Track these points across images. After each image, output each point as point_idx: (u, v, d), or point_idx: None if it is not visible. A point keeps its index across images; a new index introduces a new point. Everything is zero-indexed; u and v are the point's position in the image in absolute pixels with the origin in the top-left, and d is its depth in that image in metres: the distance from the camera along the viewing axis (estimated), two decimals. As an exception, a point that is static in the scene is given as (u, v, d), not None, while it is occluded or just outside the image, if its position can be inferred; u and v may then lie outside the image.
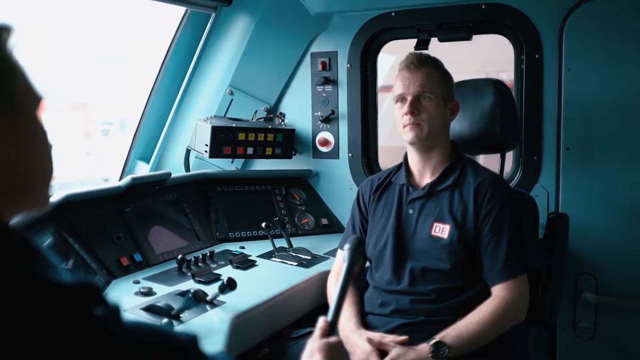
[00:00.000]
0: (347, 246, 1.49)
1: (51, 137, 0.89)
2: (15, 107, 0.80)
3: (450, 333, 1.90)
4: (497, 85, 2.40)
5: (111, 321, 0.78)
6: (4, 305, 0.69)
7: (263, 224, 2.61)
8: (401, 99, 2.08)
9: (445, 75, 2.13)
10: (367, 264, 2.27)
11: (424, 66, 2.07)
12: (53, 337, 0.70)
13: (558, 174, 2.61)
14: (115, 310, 0.80)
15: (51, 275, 0.75)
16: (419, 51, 2.26)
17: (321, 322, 1.32)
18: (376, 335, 1.95)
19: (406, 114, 2.04)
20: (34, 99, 0.85)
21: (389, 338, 1.94)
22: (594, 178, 2.56)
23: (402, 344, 1.94)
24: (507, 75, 3.20)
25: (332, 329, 1.33)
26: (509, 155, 2.61)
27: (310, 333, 2.13)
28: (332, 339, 1.29)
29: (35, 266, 0.75)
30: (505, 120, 2.38)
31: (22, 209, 0.86)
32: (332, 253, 2.52)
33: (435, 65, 2.10)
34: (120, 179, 3.05)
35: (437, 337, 1.89)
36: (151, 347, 0.80)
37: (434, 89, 2.06)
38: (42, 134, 0.86)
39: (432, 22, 2.76)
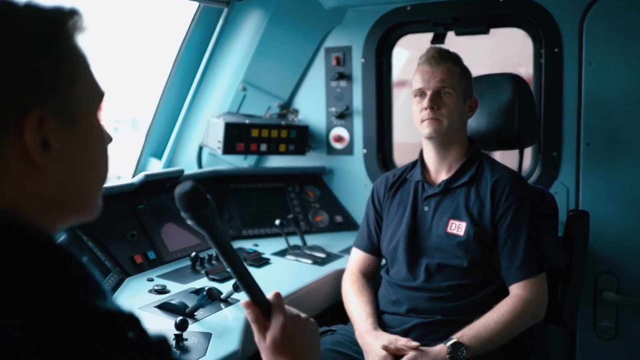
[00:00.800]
0: (184, 215, 1.00)
1: (108, 131, 0.82)
2: (73, 113, 0.73)
3: (468, 333, 1.87)
4: (515, 80, 2.36)
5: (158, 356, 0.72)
6: (46, 323, 0.63)
7: (277, 222, 2.58)
8: (420, 93, 2.05)
9: (465, 71, 2.10)
10: (383, 261, 2.24)
11: (445, 61, 2.04)
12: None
13: (578, 171, 2.56)
14: (160, 342, 0.74)
15: (99, 303, 0.69)
16: (438, 46, 2.23)
17: (248, 313, 1.04)
18: (391, 339, 1.92)
19: (425, 108, 2.01)
20: (96, 97, 0.78)
21: (402, 341, 1.90)
22: (615, 175, 2.50)
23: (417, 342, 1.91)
24: (524, 70, 3.15)
25: (262, 308, 1.04)
26: (527, 152, 2.56)
27: (326, 332, 2.12)
28: (274, 332, 1.01)
29: (87, 292, 0.69)
30: (523, 116, 2.33)
31: (72, 221, 0.79)
32: (347, 251, 2.48)
33: (455, 61, 2.08)
34: (133, 176, 3.03)
35: (455, 338, 1.86)
36: None
37: (455, 84, 2.03)
38: (99, 138, 0.78)
39: (448, 16, 2.71)
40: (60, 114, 0.71)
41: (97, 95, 0.78)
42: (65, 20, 0.73)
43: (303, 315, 1.07)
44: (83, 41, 0.75)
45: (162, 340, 0.74)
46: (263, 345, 1.02)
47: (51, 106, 0.70)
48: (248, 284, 1.05)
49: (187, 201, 0.98)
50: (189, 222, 0.99)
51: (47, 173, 0.71)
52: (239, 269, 1.05)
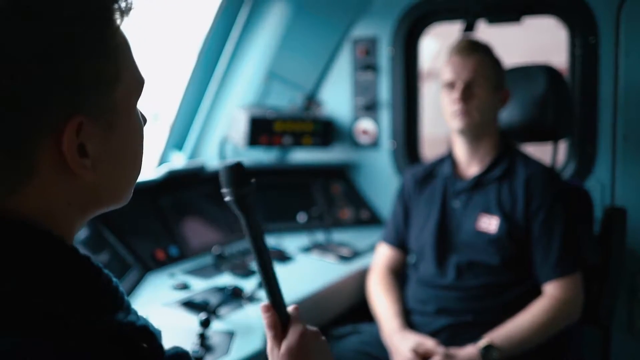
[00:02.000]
0: (223, 190, 0.98)
1: (143, 114, 0.76)
2: (112, 112, 0.68)
3: (500, 334, 1.83)
4: (549, 71, 2.28)
5: None
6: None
7: (301, 217, 2.53)
8: (450, 85, 1.98)
9: (497, 62, 2.03)
10: (410, 259, 2.19)
11: (477, 52, 1.98)
12: None
13: (614, 165, 2.46)
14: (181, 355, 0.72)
15: (131, 319, 0.67)
16: (469, 36, 2.16)
17: (266, 317, 0.98)
18: (419, 340, 1.86)
19: (457, 100, 1.94)
20: (137, 88, 0.73)
21: (430, 344, 1.84)
22: (653, 170, 2.40)
23: (446, 343, 1.86)
24: (556, 59, 3.05)
25: (281, 315, 0.98)
26: (561, 146, 2.47)
27: (351, 332, 2.07)
28: (292, 340, 0.95)
29: (127, 316, 0.67)
30: (558, 108, 2.25)
31: (94, 214, 0.75)
32: (373, 247, 2.42)
33: (487, 52, 2.01)
34: (157, 168, 3.01)
35: (486, 339, 1.81)
36: None
37: (486, 76, 1.96)
38: (136, 130, 0.74)
39: (479, 4, 2.62)
40: (99, 117, 0.67)
41: (138, 85, 0.73)
42: (113, 8, 0.67)
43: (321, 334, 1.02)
44: (128, 23, 0.69)
45: (181, 354, 0.71)
46: (276, 353, 0.95)
47: (91, 110, 0.65)
48: (272, 287, 0.99)
49: (230, 175, 0.95)
50: (227, 199, 0.96)
51: (82, 180, 0.67)
52: (267, 267, 1.00)
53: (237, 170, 0.96)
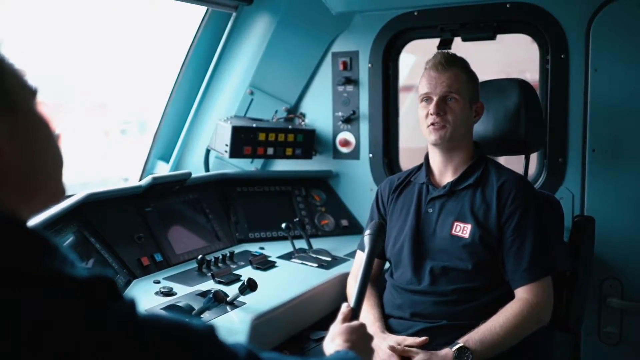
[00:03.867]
0: (367, 232, 1.61)
1: (54, 126, 0.88)
2: (12, 103, 0.80)
3: (474, 337, 1.87)
4: (522, 85, 2.36)
5: (127, 316, 0.77)
6: (23, 300, 0.69)
7: (283, 225, 2.59)
8: (426, 98, 2.05)
9: (472, 76, 2.10)
10: (387, 264, 2.25)
11: (452, 66, 2.04)
12: (70, 331, 0.70)
13: (583, 177, 2.56)
14: (130, 304, 0.79)
15: (68, 270, 0.75)
16: (446, 51, 2.23)
17: (344, 307, 1.39)
18: (398, 339, 1.93)
19: (431, 114, 2.01)
20: (29, 93, 0.84)
21: (409, 341, 1.91)
22: (620, 181, 2.51)
23: (423, 346, 1.91)
24: (530, 75, 3.15)
25: (354, 314, 1.38)
26: (533, 157, 2.57)
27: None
28: (354, 322, 1.35)
29: (53, 262, 0.75)
30: (530, 121, 2.33)
31: (39, 203, 0.85)
32: (352, 254, 2.49)
33: (462, 66, 2.07)
34: (141, 178, 3.05)
35: (460, 342, 1.86)
36: (168, 340, 0.79)
37: (461, 90, 2.03)
38: (44, 125, 0.85)
39: (455, 22, 2.72)
40: (2, 106, 0.78)
41: (29, 90, 0.84)
42: None
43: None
44: (2, 49, 0.81)
45: (132, 302, 0.80)
46: (338, 327, 1.33)
47: None
48: (362, 294, 1.44)
49: (373, 227, 1.64)
50: (366, 238, 1.62)
51: (2, 155, 0.76)
52: (365, 282, 1.47)
53: (379, 226, 1.64)
